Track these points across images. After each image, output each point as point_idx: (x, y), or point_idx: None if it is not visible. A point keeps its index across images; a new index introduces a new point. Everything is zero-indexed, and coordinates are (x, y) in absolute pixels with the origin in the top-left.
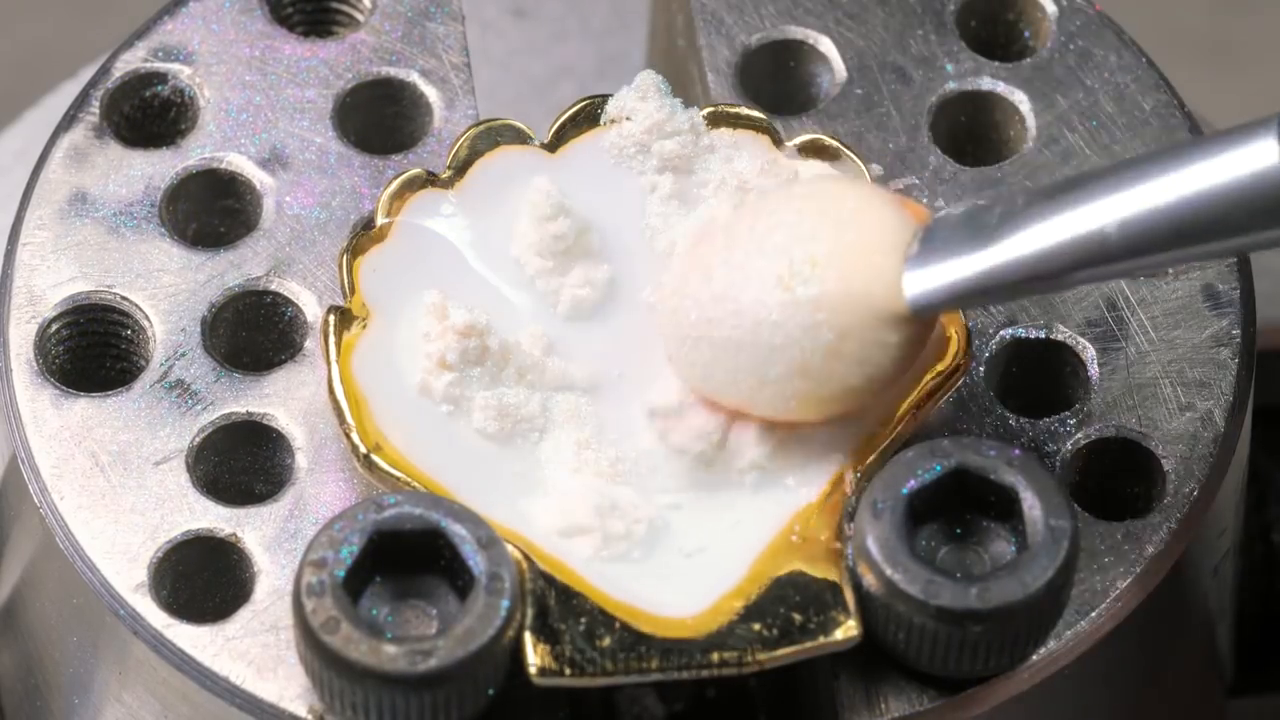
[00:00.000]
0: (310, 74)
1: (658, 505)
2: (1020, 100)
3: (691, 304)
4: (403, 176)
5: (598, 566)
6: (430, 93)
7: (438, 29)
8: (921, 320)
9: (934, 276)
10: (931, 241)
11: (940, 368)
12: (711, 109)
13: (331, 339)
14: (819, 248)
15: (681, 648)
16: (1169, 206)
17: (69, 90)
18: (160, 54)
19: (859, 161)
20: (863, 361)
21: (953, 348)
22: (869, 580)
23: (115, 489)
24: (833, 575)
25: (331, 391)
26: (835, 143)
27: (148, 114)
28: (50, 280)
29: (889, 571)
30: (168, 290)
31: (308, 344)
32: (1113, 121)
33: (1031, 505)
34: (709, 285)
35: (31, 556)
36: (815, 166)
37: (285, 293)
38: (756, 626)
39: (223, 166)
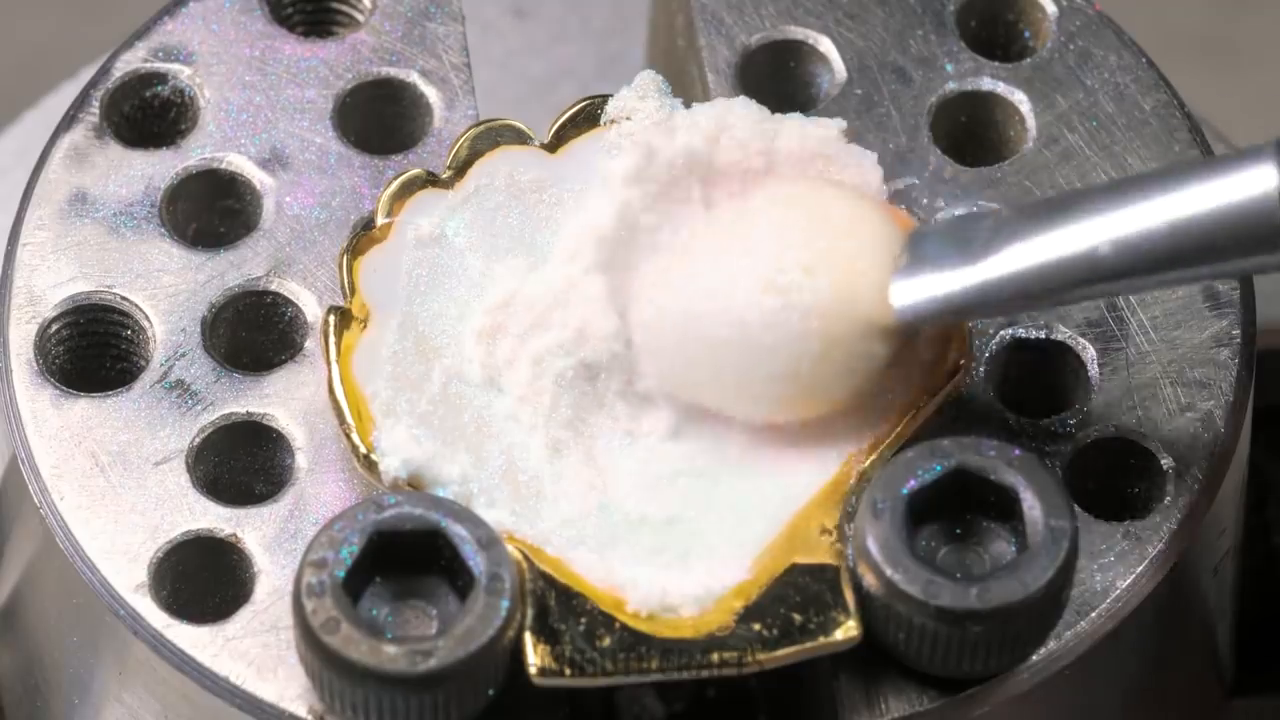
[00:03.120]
0: (310, 74)
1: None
2: (1020, 100)
3: (676, 299)
4: (403, 176)
5: None
6: (430, 93)
7: (438, 29)
8: (907, 331)
9: (923, 289)
10: (920, 253)
11: (941, 368)
12: None
13: (331, 339)
14: (811, 255)
15: (681, 648)
16: (1164, 227)
17: (69, 90)
18: (160, 54)
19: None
20: (849, 370)
21: (953, 348)
22: (869, 580)
23: (115, 489)
24: (833, 576)
25: (331, 391)
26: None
27: (148, 114)
28: (50, 280)
29: (889, 571)
30: (168, 290)
31: (308, 344)
32: (1113, 121)
33: (1031, 505)
34: (695, 281)
35: (31, 556)
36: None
37: (285, 293)
38: (756, 626)
39: (223, 166)
